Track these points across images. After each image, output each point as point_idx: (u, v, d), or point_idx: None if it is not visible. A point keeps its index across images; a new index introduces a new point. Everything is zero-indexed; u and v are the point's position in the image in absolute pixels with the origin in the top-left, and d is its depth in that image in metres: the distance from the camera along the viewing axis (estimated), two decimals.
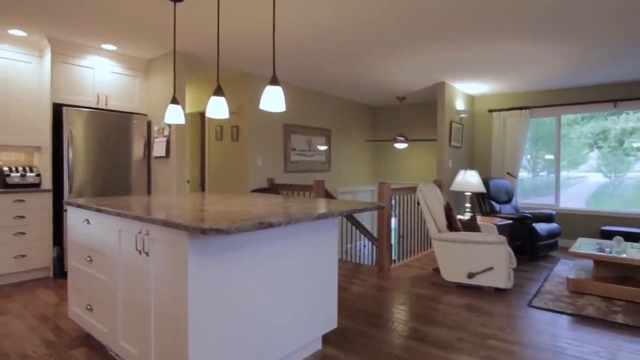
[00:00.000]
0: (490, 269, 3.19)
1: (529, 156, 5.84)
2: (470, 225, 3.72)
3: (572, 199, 5.46)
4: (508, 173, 5.70)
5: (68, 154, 3.56)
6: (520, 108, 5.63)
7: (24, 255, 3.43)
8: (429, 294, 3.18)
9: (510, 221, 4.28)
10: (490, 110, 5.91)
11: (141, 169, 4.13)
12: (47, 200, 3.56)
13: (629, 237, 4.54)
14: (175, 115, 2.65)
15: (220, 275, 1.59)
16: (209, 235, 1.40)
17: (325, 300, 2.13)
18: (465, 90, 5.70)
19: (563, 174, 5.53)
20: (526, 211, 5.11)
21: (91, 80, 3.82)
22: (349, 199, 6.63)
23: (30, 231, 3.46)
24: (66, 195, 3.56)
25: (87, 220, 2.14)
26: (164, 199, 2.45)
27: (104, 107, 3.92)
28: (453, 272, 3.35)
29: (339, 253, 5.66)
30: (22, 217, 3.41)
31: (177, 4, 2.76)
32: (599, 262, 3.28)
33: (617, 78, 4.82)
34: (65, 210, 3.56)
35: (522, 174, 5.82)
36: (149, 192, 4.25)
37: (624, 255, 3.09)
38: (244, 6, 2.78)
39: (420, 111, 6.91)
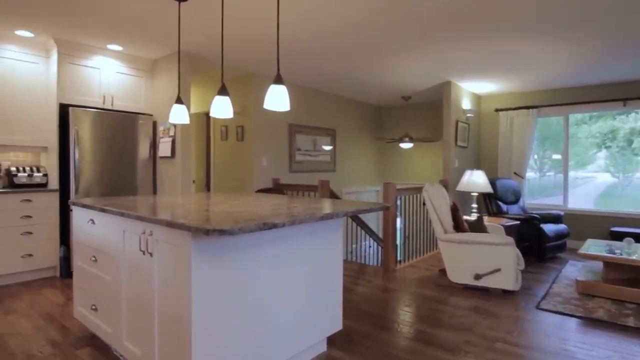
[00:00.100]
0: (498, 270, 3.15)
1: (536, 156, 5.77)
2: (477, 226, 3.67)
3: (580, 200, 5.38)
4: (515, 173, 5.63)
5: (74, 154, 3.58)
6: (528, 107, 5.56)
7: (31, 255, 3.45)
8: (435, 295, 3.14)
9: (518, 222, 4.22)
10: (497, 110, 5.85)
11: (147, 169, 4.14)
12: (54, 200, 3.58)
13: None
14: (179, 115, 2.65)
15: (224, 276, 1.58)
16: (212, 235, 1.39)
17: (330, 301, 2.11)
18: (472, 90, 5.65)
19: (571, 174, 5.45)
20: (534, 212, 5.04)
21: (97, 80, 3.84)
22: (354, 199, 6.61)
23: (37, 231, 3.49)
24: (72, 195, 3.58)
25: (91, 220, 2.14)
26: (169, 199, 2.45)
27: (110, 108, 3.94)
28: (460, 273, 3.31)
29: (344, 253, 5.63)
30: (29, 216, 3.44)
31: (182, 3, 2.76)
32: (609, 264, 3.22)
33: (626, 76, 4.73)
34: (72, 210, 3.58)
35: (529, 174, 5.75)
36: (154, 192, 4.26)
37: (635, 257, 3.02)
38: (248, 4, 2.77)
39: (426, 111, 6.86)
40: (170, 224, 1.48)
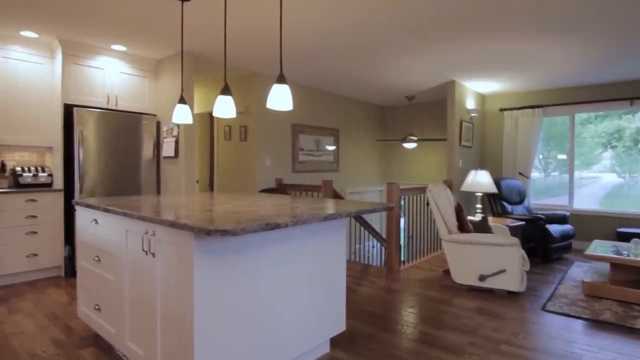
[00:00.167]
0: (503, 271, 3.12)
1: (541, 156, 5.72)
2: (482, 227, 3.64)
3: (586, 200, 5.33)
4: (520, 173, 5.59)
5: (79, 154, 3.60)
6: (533, 107, 5.51)
7: (35, 254, 3.47)
8: (439, 296, 3.12)
9: (523, 222, 4.18)
10: (502, 109, 5.80)
11: (151, 169, 4.15)
12: (59, 199, 3.60)
13: None
14: (182, 115, 2.65)
15: (226, 276, 1.57)
16: (215, 236, 1.38)
17: (334, 302, 2.10)
18: (476, 89, 5.61)
19: (576, 174, 5.39)
20: (539, 212, 4.99)
21: (101, 80, 3.86)
22: (357, 200, 6.58)
23: (42, 230, 3.50)
24: (77, 195, 3.59)
25: (95, 220, 2.15)
26: (172, 199, 2.44)
27: (114, 108, 3.95)
28: (464, 274, 3.29)
29: (347, 254, 5.62)
30: (34, 216, 3.46)
31: (185, 3, 2.76)
32: (616, 265, 3.18)
33: (633, 75, 4.68)
34: (76, 210, 3.60)
35: (534, 174, 5.70)
36: (158, 192, 4.27)
37: None
38: (250, 4, 2.77)
39: (430, 110, 6.82)
40: (173, 224, 1.48)
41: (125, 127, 3.93)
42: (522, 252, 3.20)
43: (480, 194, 4.35)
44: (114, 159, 3.85)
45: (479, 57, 4.00)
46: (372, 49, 3.76)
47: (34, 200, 3.45)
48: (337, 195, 4.65)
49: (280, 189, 4.80)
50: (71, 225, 3.63)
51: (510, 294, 3.16)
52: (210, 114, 5.59)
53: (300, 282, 1.90)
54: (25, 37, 3.51)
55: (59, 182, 3.64)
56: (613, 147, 5.18)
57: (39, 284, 3.38)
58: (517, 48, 3.69)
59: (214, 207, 1.95)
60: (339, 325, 2.14)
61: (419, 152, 6.98)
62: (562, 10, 2.81)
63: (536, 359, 2.08)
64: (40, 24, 3.18)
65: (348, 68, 4.53)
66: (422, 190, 4.33)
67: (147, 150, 4.11)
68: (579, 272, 3.85)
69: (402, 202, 4.17)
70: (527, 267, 3.27)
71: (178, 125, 4.00)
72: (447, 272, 3.82)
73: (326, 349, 2.15)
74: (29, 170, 3.57)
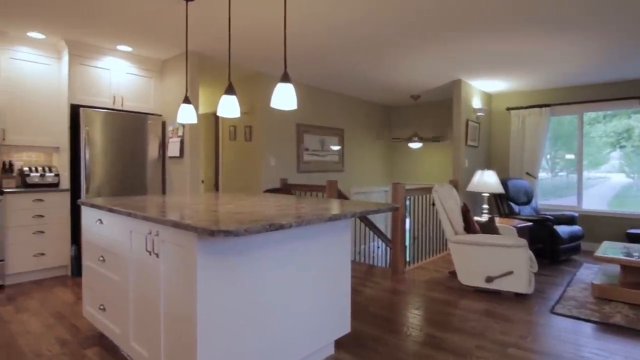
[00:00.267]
0: (510, 273, 3.07)
1: (548, 156, 5.64)
2: (489, 227, 3.60)
3: (594, 200, 5.24)
4: (527, 173, 5.52)
5: (85, 154, 3.62)
6: (540, 106, 5.44)
7: (43, 254, 3.50)
8: (445, 298, 3.09)
9: (530, 223, 4.12)
10: (509, 109, 5.73)
11: (156, 168, 4.17)
12: (65, 199, 3.62)
13: None
14: (187, 114, 2.65)
15: (229, 277, 1.56)
16: (218, 236, 1.37)
17: (338, 304, 2.08)
18: (482, 88, 5.55)
19: (584, 174, 5.31)
20: (546, 213, 4.93)
21: (107, 81, 3.88)
22: (362, 200, 6.55)
23: (49, 230, 3.53)
24: (83, 195, 3.61)
25: (100, 220, 2.15)
26: (176, 199, 2.44)
27: (120, 108, 3.97)
28: (470, 275, 3.25)
29: (351, 254, 5.59)
30: (41, 216, 3.48)
31: (189, 3, 2.76)
32: (627, 268, 3.12)
33: None
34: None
35: (541, 174, 5.62)
36: (163, 192, 4.29)
37: None
38: (254, 1, 2.76)
39: (436, 110, 6.77)
40: (176, 225, 1.47)
41: (131, 127, 3.95)
42: (530, 253, 3.15)
43: (486, 195, 4.30)
44: (119, 159, 3.87)
45: (485, 55, 3.96)
46: (377, 45, 3.73)
47: (41, 200, 3.48)
48: (341, 196, 4.63)
49: (285, 189, 4.79)
50: (77, 225, 3.65)
51: (518, 296, 3.11)
52: (215, 114, 5.60)
53: (304, 283, 1.89)
54: (32, 38, 3.54)
55: (65, 182, 3.67)
56: (622, 147, 5.09)
57: (45, 283, 3.40)
58: (523, 47, 3.64)
59: (217, 208, 1.94)
60: (344, 327, 2.12)
61: (425, 152, 6.93)
62: (570, 7, 2.76)
63: None
64: (46, 24, 3.20)
65: (353, 66, 4.50)
66: (428, 190, 4.29)
67: (153, 150, 4.13)
68: (588, 274, 3.78)
69: (408, 203, 4.14)
70: (535, 268, 3.22)
71: (183, 126, 4.01)
72: (453, 274, 3.78)
73: (330, 350, 2.13)
74: (36, 170, 3.60)
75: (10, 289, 3.23)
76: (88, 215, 2.30)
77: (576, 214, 4.75)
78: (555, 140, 5.58)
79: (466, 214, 3.51)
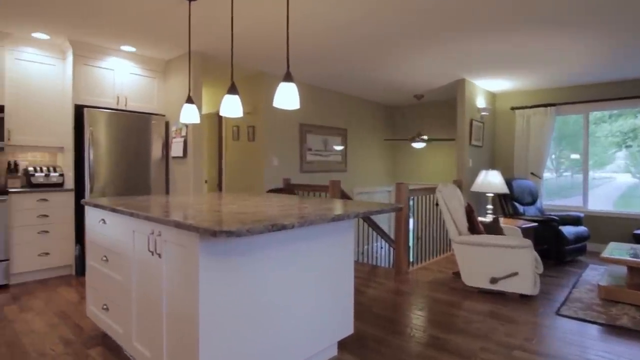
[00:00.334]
0: (515, 274, 3.04)
1: (553, 156, 5.59)
2: (493, 228, 3.57)
3: (599, 201, 5.19)
4: (532, 173, 5.47)
5: (89, 154, 3.63)
6: (545, 105, 5.39)
7: (47, 253, 3.52)
8: (449, 299, 3.06)
9: (535, 224, 4.08)
10: (513, 108, 5.69)
11: (160, 168, 4.18)
12: (70, 199, 3.64)
13: None
14: (190, 114, 2.64)
15: (232, 277, 1.55)
16: (220, 237, 1.36)
17: (341, 304, 2.07)
18: (486, 87, 5.51)
19: (589, 174, 5.26)
20: (551, 213, 4.88)
21: (111, 81, 3.89)
22: (365, 200, 6.53)
23: (53, 230, 3.55)
24: (87, 195, 3.63)
25: (103, 220, 2.15)
26: (179, 199, 2.44)
27: (124, 108, 3.98)
28: (475, 276, 3.22)
29: (355, 254, 5.57)
30: (46, 215, 3.50)
31: (192, 2, 2.75)
32: (634, 269, 3.07)
33: None
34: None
35: (545, 175, 5.57)
36: (167, 192, 4.30)
37: None
38: (257, 2, 2.75)
39: (439, 109, 6.73)
40: (178, 225, 1.46)
41: (134, 127, 3.96)
42: (535, 254, 3.11)
43: (491, 195, 4.27)
44: (123, 159, 3.88)
45: (488, 55, 3.93)
46: (377, 45, 3.72)
47: (45, 200, 3.50)
48: (345, 196, 4.62)
49: (288, 189, 4.78)
50: (82, 224, 3.67)
51: (523, 298, 3.08)
52: (218, 115, 5.61)
53: (307, 284, 1.88)
54: (36, 38, 3.56)
55: (70, 182, 3.68)
56: (628, 147, 5.04)
57: (50, 282, 3.42)
58: (530, 44, 3.60)
59: (219, 208, 1.94)
60: (347, 328, 2.11)
61: (428, 151, 6.90)
62: (576, 4, 2.73)
63: None
64: (49, 24, 3.21)
65: (354, 66, 4.49)
66: (431, 190, 4.26)
67: (156, 151, 4.14)
68: (594, 276, 3.74)
69: (411, 203, 4.11)
70: (541, 269, 3.19)
71: (186, 126, 4.01)
72: (457, 274, 3.75)
73: (333, 352, 2.12)
74: (41, 170, 3.62)
75: (15, 288, 3.25)
76: (91, 215, 2.30)
77: (582, 215, 4.71)
78: (560, 140, 5.53)
79: (470, 214, 3.49)
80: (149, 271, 1.75)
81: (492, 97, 5.84)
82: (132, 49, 3.87)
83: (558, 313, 2.76)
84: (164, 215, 1.64)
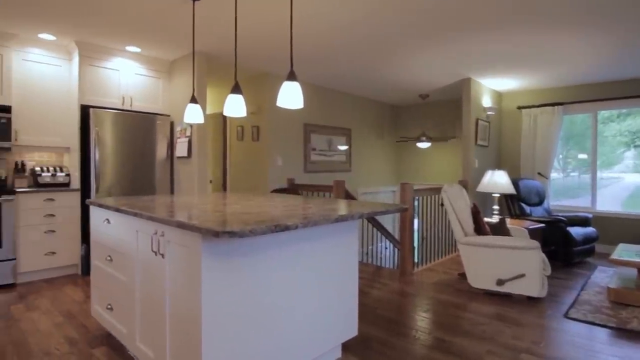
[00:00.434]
0: (522, 275, 3.00)
1: (560, 155, 5.52)
2: (499, 229, 3.52)
3: (607, 201, 5.11)
4: (539, 173, 5.40)
5: (95, 154, 3.65)
6: (553, 104, 5.32)
7: (53, 253, 3.54)
8: (455, 300, 3.03)
9: (543, 225, 4.03)
10: (520, 107, 5.62)
11: (165, 168, 4.19)
12: (76, 199, 3.66)
13: None
14: (194, 114, 2.64)
15: (234, 278, 1.54)
16: (222, 237, 1.35)
17: (345, 306, 2.05)
18: (492, 87, 5.45)
19: (597, 174, 5.18)
20: (559, 214, 4.81)
21: (116, 82, 3.91)
22: (370, 200, 6.51)
23: (59, 229, 3.57)
24: (93, 195, 3.65)
25: (107, 219, 2.16)
26: (183, 199, 2.44)
27: (129, 108, 4.00)
28: (481, 278, 3.18)
29: (359, 255, 5.55)
30: (52, 215, 3.53)
31: (196, 3, 2.75)
32: None
33: None
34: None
35: (552, 175, 5.50)
36: (172, 192, 4.31)
37: None
38: (260, 2, 2.74)
39: (445, 109, 6.68)
40: (181, 225, 1.46)
41: (139, 127, 3.97)
42: (543, 255, 3.07)
43: (497, 195, 4.22)
44: (129, 159, 3.90)
45: (492, 54, 3.88)
46: (380, 45, 3.69)
47: (52, 200, 3.52)
48: (349, 196, 4.60)
49: (292, 189, 4.77)
50: (88, 224, 3.69)
51: (530, 300, 3.04)
52: (223, 115, 5.61)
53: (311, 285, 1.86)
54: (43, 39, 3.58)
55: (76, 182, 3.71)
56: (637, 147, 4.95)
57: (56, 281, 3.44)
58: (536, 42, 3.55)
59: (223, 208, 1.93)
60: (351, 329, 2.09)
61: (433, 151, 6.85)
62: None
63: None
64: (57, 25, 3.23)
65: (359, 66, 4.46)
66: (437, 190, 4.22)
67: (161, 151, 4.15)
68: (602, 278, 3.68)
69: (416, 203, 4.08)
70: (548, 271, 3.14)
71: (191, 126, 4.02)
72: (462, 276, 3.71)
73: (337, 354, 2.10)
74: (48, 170, 3.65)
75: (21, 287, 3.28)
76: (96, 215, 2.31)
77: (590, 215, 4.63)
78: (567, 139, 5.45)
79: (476, 214, 3.45)
80: (152, 271, 1.75)
81: (498, 96, 5.78)
82: (137, 50, 3.88)
83: (566, 316, 2.71)
84: (167, 215, 1.64)
